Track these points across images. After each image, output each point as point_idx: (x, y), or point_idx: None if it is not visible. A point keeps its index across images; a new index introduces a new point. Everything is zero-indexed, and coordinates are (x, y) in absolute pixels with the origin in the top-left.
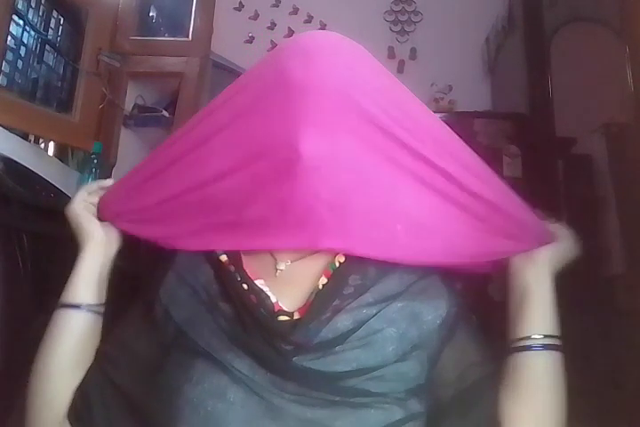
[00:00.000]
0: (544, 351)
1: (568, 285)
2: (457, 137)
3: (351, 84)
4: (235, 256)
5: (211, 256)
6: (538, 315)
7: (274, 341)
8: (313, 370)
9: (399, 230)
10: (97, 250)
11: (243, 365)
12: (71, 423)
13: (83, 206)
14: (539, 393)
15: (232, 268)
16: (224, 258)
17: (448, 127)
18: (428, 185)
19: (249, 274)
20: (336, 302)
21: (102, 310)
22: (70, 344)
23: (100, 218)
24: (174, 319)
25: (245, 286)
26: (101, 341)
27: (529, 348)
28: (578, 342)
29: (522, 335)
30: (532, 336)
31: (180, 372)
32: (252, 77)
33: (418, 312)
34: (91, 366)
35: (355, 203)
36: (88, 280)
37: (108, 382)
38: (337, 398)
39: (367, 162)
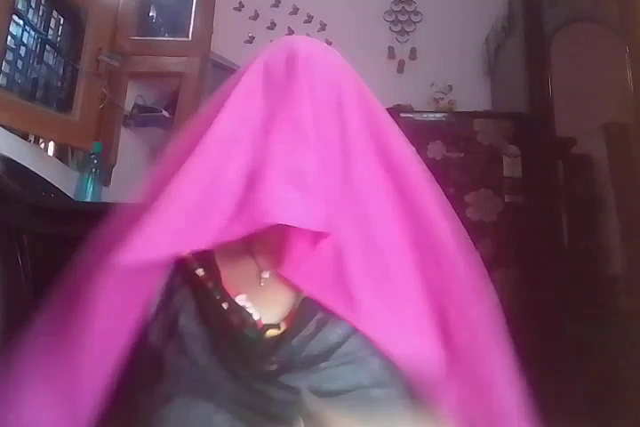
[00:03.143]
0: None
1: (568, 285)
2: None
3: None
4: (212, 270)
5: (185, 270)
6: None
7: (256, 364)
8: (299, 389)
9: None
10: None
11: (229, 388)
12: None
13: None
14: None
15: (210, 284)
16: (200, 273)
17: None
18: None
19: (228, 290)
20: (319, 316)
21: None
22: None
23: None
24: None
25: (225, 306)
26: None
27: None
28: (578, 341)
29: None
30: None
31: (164, 404)
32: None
33: None
34: None
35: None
36: None
37: None
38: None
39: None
